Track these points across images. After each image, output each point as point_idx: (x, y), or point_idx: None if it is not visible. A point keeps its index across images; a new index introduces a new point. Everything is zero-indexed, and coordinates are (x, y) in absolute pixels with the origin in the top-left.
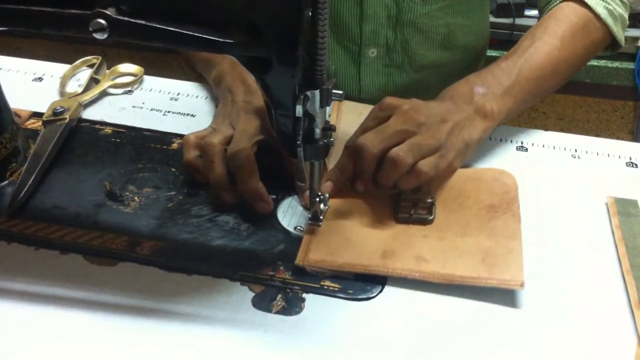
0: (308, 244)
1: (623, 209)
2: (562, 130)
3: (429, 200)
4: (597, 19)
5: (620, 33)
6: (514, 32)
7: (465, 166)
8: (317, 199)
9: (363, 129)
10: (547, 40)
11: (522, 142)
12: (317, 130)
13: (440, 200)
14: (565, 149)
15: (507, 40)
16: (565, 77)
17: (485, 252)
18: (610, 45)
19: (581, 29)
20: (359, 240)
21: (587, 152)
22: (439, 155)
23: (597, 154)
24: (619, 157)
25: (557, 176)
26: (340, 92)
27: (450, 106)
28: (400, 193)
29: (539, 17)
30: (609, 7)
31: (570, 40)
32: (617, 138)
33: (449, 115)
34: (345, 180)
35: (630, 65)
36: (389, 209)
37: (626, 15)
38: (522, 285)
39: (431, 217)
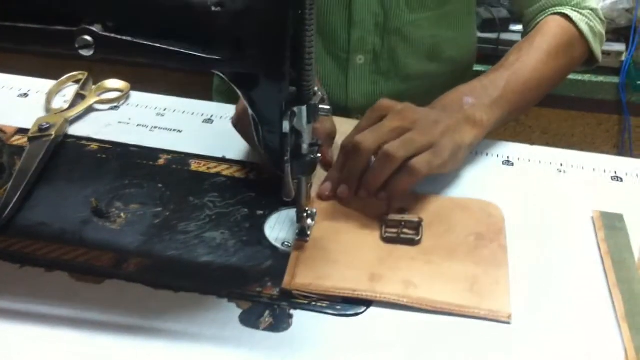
0: (295, 266)
1: (609, 222)
2: (547, 144)
3: (416, 220)
4: (580, 35)
5: (599, 50)
6: (499, 47)
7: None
8: (305, 214)
9: (358, 130)
10: (533, 55)
11: (508, 157)
12: (304, 146)
13: (427, 224)
14: (551, 163)
15: (492, 55)
16: (547, 90)
17: (472, 280)
18: (587, 61)
19: (565, 44)
20: (346, 263)
21: (572, 166)
22: (433, 152)
23: (583, 168)
24: (604, 171)
25: (543, 190)
26: (328, 107)
27: (441, 112)
28: (387, 212)
29: (523, 32)
30: (591, 24)
31: (554, 56)
32: (602, 152)
33: (440, 119)
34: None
35: (615, 80)
36: (376, 229)
37: (604, 32)
38: (509, 317)
39: (418, 238)
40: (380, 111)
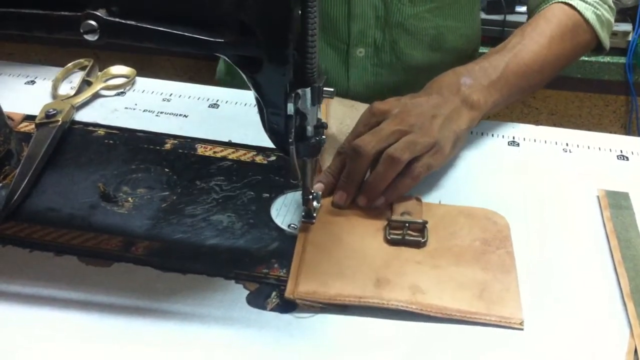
0: (297, 273)
1: (614, 201)
2: (554, 125)
3: (420, 221)
4: (585, 22)
5: (606, 38)
6: (505, 29)
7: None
8: (310, 197)
9: (355, 135)
10: (536, 39)
11: (513, 137)
12: (309, 128)
13: (431, 227)
14: (556, 143)
15: (498, 37)
16: (550, 75)
17: (481, 286)
18: (595, 48)
19: (570, 30)
20: (351, 268)
21: (578, 146)
22: (434, 152)
23: (588, 147)
24: (610, 150)
25: (549, 170)
26: (332, 89)
27: (437, 99)
28: (390, 214)
29: (528, 18)
30: (597, 12)
31: (558, 41)
32: (610, 132)
33: (437, 111)
34: (336, 184)
35: (622, 60)
36: (380, 232)
37: (612, 20)
38: (521, 324)
39: (424, 240)
40: (377, 116)
